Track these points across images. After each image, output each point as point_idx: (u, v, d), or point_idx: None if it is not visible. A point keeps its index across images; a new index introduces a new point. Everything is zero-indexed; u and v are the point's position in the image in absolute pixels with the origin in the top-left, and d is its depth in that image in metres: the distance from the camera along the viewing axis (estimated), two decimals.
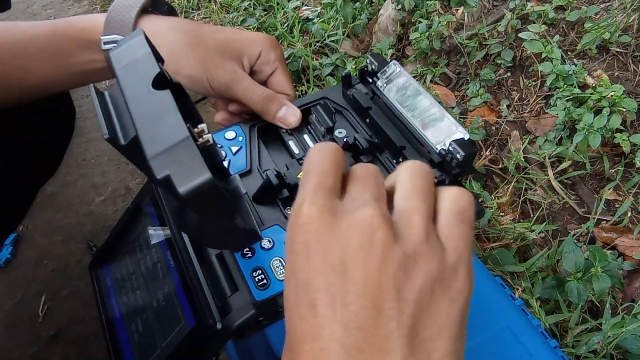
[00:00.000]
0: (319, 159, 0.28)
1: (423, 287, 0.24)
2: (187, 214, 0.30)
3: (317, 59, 1.12)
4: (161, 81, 0.31)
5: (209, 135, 0.35)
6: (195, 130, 0.34)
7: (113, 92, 0.32)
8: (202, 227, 0.30)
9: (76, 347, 0.82)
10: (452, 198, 0.27)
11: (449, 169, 0.42)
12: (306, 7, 1.23)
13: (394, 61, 0.47)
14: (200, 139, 0.34)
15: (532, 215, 0.83)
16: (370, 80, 0.50)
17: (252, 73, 0.52)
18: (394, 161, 0.45)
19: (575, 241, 0.74)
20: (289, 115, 0.49)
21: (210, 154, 0.37)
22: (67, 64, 0.52)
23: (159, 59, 0.34)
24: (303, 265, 0.25)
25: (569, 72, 0.86)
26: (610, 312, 0.68)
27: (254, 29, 1.20)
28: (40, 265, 0.93)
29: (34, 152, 0.73)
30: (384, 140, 0.46)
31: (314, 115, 0.48)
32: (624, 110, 0.78)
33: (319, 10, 1.20)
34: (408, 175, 0.28)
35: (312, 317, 0.24)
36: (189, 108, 0.38)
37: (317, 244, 0.25)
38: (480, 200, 0.84)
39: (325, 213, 0.25)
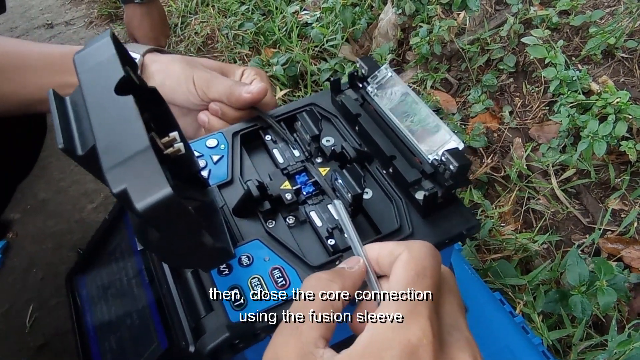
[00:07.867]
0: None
1: None
2: (147, 230, 0.27)
3: (315, 64, 1.10)
4: (125, 86, 0.28)
5: (181, 144, 0.32)
6: (165, 139, 0.32)
7: (74, 98, 0.30)
8: (164, 245, 0.28)
9: (64, 359, 0.80)
10: None
11: (442, 180, 0.39)
12: (305, 12, 1.21)
13: (385, 65, 0.45)
14: (170, 149, 0.32)
15: (534, 225, 0.80)
16: (360, 85, 0.47)
17: None
18: (384, 171, 0.43)
19: (580, 253, 0.72)
20: (256, 85, 0.50)
21: (183, 164, 0.35)
22: (60, 84, 0.54)
23: (127, 62, 0.32)
24: None
25: (573, 78, 0.83)
26: (616, 327, 0.64)
27: (251, 33, 1.18)
28: (29, 273, 0.91)
29: (7, 151, 0.72)
30: (374, 149, 0.43)
31: (299, 122, 0.46)
32: (630, 117, 0.76)
33: (318, 15, 1.18)
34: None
35: None
36: (162, 115, 0.36)
37: None
38: (480, 210, 0.81)
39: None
